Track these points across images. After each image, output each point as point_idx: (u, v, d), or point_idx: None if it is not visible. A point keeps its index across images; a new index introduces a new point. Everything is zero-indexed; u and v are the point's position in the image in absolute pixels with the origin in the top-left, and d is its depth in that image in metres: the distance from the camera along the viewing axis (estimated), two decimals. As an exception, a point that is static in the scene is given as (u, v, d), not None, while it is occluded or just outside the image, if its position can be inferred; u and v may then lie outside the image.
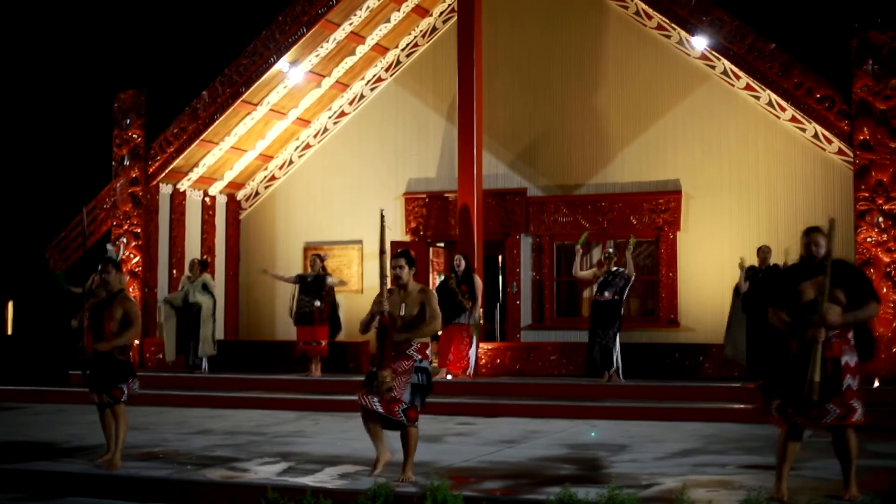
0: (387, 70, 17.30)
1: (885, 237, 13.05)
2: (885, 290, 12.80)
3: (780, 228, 14.80)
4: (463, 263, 13.89)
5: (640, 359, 14.12)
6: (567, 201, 15.99)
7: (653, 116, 15.69)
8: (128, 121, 16.51)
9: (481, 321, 14.35)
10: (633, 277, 13.77)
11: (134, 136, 16.48)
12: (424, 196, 16.82)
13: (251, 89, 15.96)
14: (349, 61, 16.80)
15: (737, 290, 13.11)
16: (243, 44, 16.04)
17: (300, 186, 17.77)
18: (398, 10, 16.45)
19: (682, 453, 8.94)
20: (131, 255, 16.14)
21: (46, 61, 23.04)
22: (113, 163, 16.64)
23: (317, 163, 17.72)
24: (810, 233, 6.74)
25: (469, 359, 13.82)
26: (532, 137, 16.33)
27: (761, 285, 12.52)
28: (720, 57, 14.57)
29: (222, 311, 16.96)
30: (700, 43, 14.53)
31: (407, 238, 16.68)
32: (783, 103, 14.28)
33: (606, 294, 13.45)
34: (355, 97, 17.47)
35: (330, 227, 17.35)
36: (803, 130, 14.66)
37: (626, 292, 13.70)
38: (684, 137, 15.54)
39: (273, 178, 17.95)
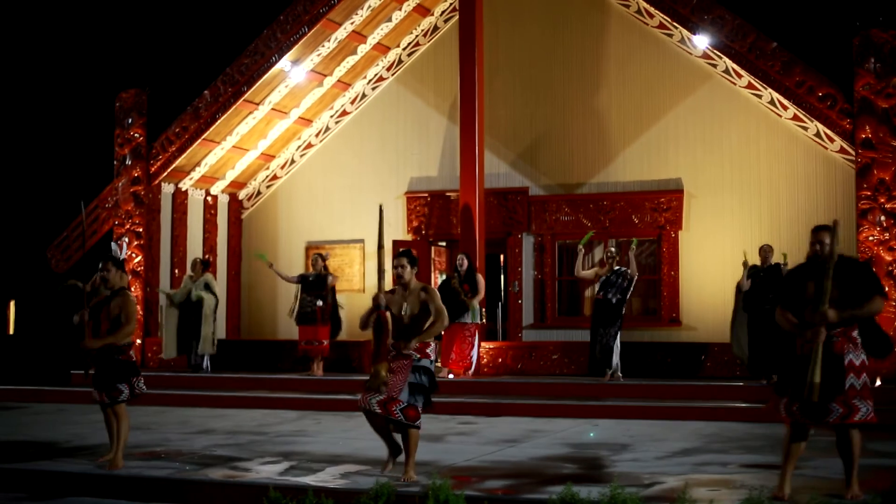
0: (388, 69, 17.29)
1: (887, 236, 13.04)
2: (886, 288, 12.78)
3: (781, 227, 14.80)
4: (466, 263, 13.89)
5: (641, 358, 14.11)
6: (569, 200, 15.98)
7: (654, 115, 15.68)
8: (129, 120, 16.51)
9: (484, 320, 14.35)
10: (637, 277, 13.77)
11: (136, 135, 16.48)
12: (426, 195, 16.82)
13: (253, 88, 15.95)
14: (351, 60, 16.80)
15: (739, 288, 13.11)
16: (245, 43, 16.04)
17: (302, 186, 17.78)
18: (399, 10, 16.45)
19: (684, 452, 8.94)
20: (133, 255, 16.15)
21: (48, 61, 23.04)
22: (115, 162, 16.64)
23: (318, 162, 17.72)
24: (817, 231, 6.75)
25: (471, 358, 13.82)
26: (534, 136, 16.32)
27: (767, 285, 12.55)
28: (722, 55, 14.56)
29: (224, 310, 16.96)
30: (702, 42, 14.52)
31: (409, 237, 16.68)
32: (785, 102, 14.27)
33: (610, 295, 13.43)
34: (357, 96, 17.47)
35: (331, 226, 17.35)
36: (805, 129, 14.65)
37: (630, 292, 13.68)
38: (686, 136, 15.53)
39: (275, 177, 17.96)
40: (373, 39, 16.65)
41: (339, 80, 17.05)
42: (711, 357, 14.00)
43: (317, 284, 14.66)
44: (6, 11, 22.51)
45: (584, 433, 10.39)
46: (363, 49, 16.71)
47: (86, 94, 21.31)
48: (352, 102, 17.50)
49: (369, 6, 15.94)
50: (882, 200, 13.10)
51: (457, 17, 15.50)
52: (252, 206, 18.09)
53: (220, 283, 16.37)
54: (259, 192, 18.05)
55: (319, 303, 14.57)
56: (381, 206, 7.99)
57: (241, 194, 18.06)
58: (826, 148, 14.56)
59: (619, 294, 13.45)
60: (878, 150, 13.18)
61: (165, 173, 16.44)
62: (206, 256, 16.76)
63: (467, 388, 13.27)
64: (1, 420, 12.04)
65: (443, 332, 13.19)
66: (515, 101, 16.39)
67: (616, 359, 13.42)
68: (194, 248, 16.98)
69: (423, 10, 16.77)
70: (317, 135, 17.73)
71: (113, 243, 15.57)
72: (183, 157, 16.34)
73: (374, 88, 17.40)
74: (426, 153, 16.95)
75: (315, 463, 8.42)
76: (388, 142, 17.22)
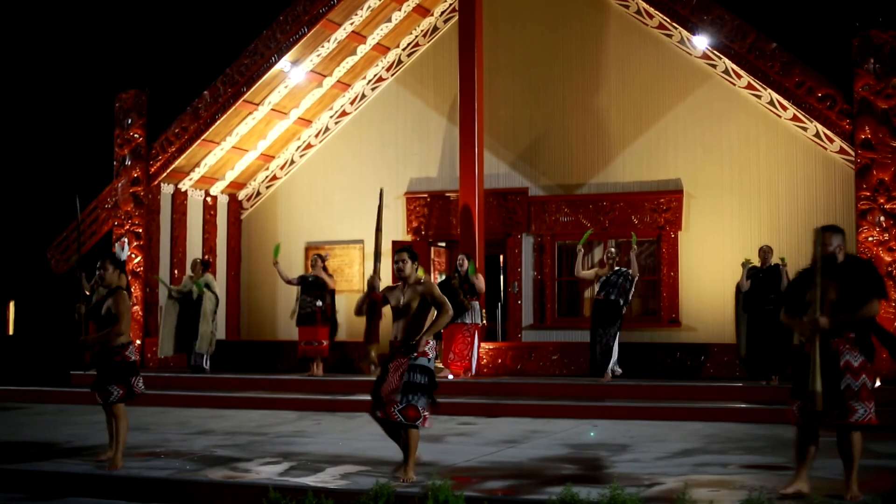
0: (388, 70, 17.30)
1: (886, 236, 13.05)
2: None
3: (781, 228, 14.80)
4: (466, 263, 13.88)
5: (641, 358, 14.11)
6: (568, 201, 15.98)
7: (654, 116, 15.69)
8: (129, 120, 16.51)
9: (484, 321, 14.34)
10: (637, 278, 13.77)
11: (135, 135, 16.48)
12: (426, 196, 16.82)
13: (252, 89, 15.95)
14: (350, 61, 16.80)
15: (738, 289, 13.12)
16: (244, 43, 16.04)
17: (301, 186, 17.78)
18: (399, 10, 16.45)
19: (684, 453, 8.94)
20: (133, 255, 16.14)
21: (48, 61, 23.05)
22: (114, 162, 16.64)
23: (318, 162, 17.73)
24: (822, 232, 6.76)
25: (471, 359, 13.82)
26: (533, 137, 16.32)
27: (766, 286, 12.57)
28: (721, 56, 14.56)
29: (224, 311, 16.96)
30: (701, 42, 14.52)
31: (408, 238, 16.68)
32: (784, 102, 14.27)
33: (612, 296, 13.43)
34: (356, 97, 17.47)
35: (331, 226, 17.36)
36: (805, 129, 14.66)
37: (632, 293, 13.69)
38: (685, 137, 15.53)
39: (274, 177, 17.96)
40: (372, 40, 16.65)
41: (338, 81, 17.05)
42: (711, 358, 14.00)
43: (316, 285, 14.66)
44: (6, 12, 22.51)
45: (583, 434, 10.39)
46: (363, 49, 16.71)
47: (85, 94, 21.32)
48: (351, 103, 17.50)
49: (369, 7, 15.95)
50: (881, 201, 13.10)
51: (456, 17, 15.50)
52: (252, 206, 18.09)
53: (219, 284, 16.36)
54: (259, 193, 18.05)
55: (319, 303, 14.57)
56: (381, 190, 8.28)
57: (241, 195, 18.06)
58: (825, 148, 14.57)
59: (621, 294, 13.45)
60: (877, 151, 13.18)
61: (165, 174, 16.44)
62: (206, 257, 16.76)
63: (467, 388, 13.27)
64: (1, 420, 12.03)
65: (442, 332, 13.33)
66: (515, 102, 16.39)
67: (614, 358, 13.45)
68: (194, 249, 16.98)
69: (422, 11, 16.77)
70: (316, 135, 17.73)
71: (116, 243, 15.60)
72: (182, 157, 16.34)
73: (373, 89, 17.40)
74: (426, 154, 16.95)
75: (315, 463, 8.41)
76: (388, 142, 17.23)
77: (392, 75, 17.31)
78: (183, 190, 16.97)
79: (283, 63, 15.85)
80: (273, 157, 17.77)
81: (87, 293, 12.15)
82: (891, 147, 13.15)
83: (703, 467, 8.15)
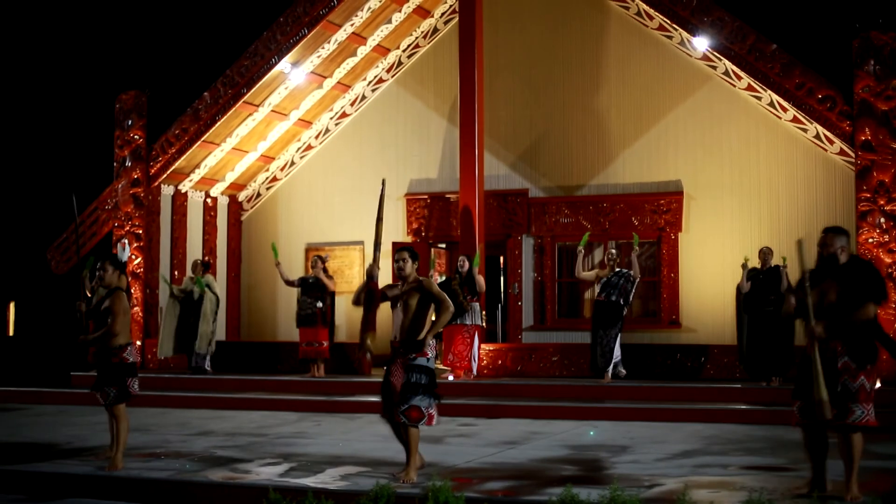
0: (388, 71, 17.30)
1: (886, 238, 13.05)
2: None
3: (781, 229, 14.80)
4: (467, 264, 13.89)
5: (641, 360, 14.11)
6: (568, 202, 15.98)
7: (654, 117, 15.69)
8: (129, 122, 16.51)
9: (484, 322, 14.35)
10: (638, 279, 13.77)
11: (135, 137, 16.49)
12: (426, 197, 16.83)
13: (253, 90, 15.96)
14: (350, 62, 16.80)
15: (739, 290, 13.12)
16: (245, 45, 16.04)
17: (301, 187, 17.78)
18: (399, 11, 16.45)
19: (684, 454, 8.94)
20: (133, 257, 16.14)
21: (48, 62, 23.05)
22: (114, 164, 16.64)
23: (318, 164, 17.73)
24: (825, 233, 6.76)
25: (471, 360, 13.81)
26: (533, 138, 16.33)
27: (766, 287, 12.57)
28: (721, 57, 14.56)
29: (224, 312, 16.96)
30: (701, 43, 14.53)
31: (408, 239, 16.69)
32: (784, 104, 14.27)
33: (614, 297, 13.43)
34: (356, 98, 17.48)
35: (331, 227, 17.36)
36: (805, 131, 14.66)
37: (633, 294, 13.69)
38: (685, 138, 15.54)
39: (274, 179, 17.97)
40: (373, 41, 16.65)
41: (338, 82, 17.06)
42: (711, 359, 14.00)
43: (316, 287, 14.65)
44: (7, 13, 22.52)
45: (583, 435, 10.39)
46: (363, 51, 16.71)
47: (86, 95, 21.32)
48: (351, 104, 17.51)
49: (369, 8, 15.95)
50: (882, 202, 13.10)
51: (456, 18, 15.51)
52: (252, 207, 18.09)
53: (219, 285, 16.36)
54: (259, 194, 18.05)
55: (319, 304, 14.57)
56: (383, 181, 8.42)
57: (241, 196, 18.06)
58: (826, 150, 14.57)
59: (622, 296, 13.45)
60: (877, 153, 13.18)
61: (165, 175, 16.44)
62: (206, 258, 16.77)
63: (467, 389, 13.27)
64: (1, 421, 12.03)
65: (442, 333, 13.33)
66: (515, 103, 16.40)
67: (617, 359, 13.45)
68: (194, 250, 16.98)
69: (422, 12, 16.78)
70: (316, 136, 17.74)
71: (117, 244, 15.60)
72: (183, 158, 16.34)
73: (373, 90, 17.40)
74: (426, 155, 16.95)
75: (315, 464, 8.42)
76: (388, 144, 17.23)
77: (392, 77, 17.31)
78: (183, 191, 16.97)
79: (284, 64, 15.86)
80: (273, 159, 17.77)
81: (89, 294, 12.15)
82: (891, 149, 13.15)
83: (703, 468, 8.15)
